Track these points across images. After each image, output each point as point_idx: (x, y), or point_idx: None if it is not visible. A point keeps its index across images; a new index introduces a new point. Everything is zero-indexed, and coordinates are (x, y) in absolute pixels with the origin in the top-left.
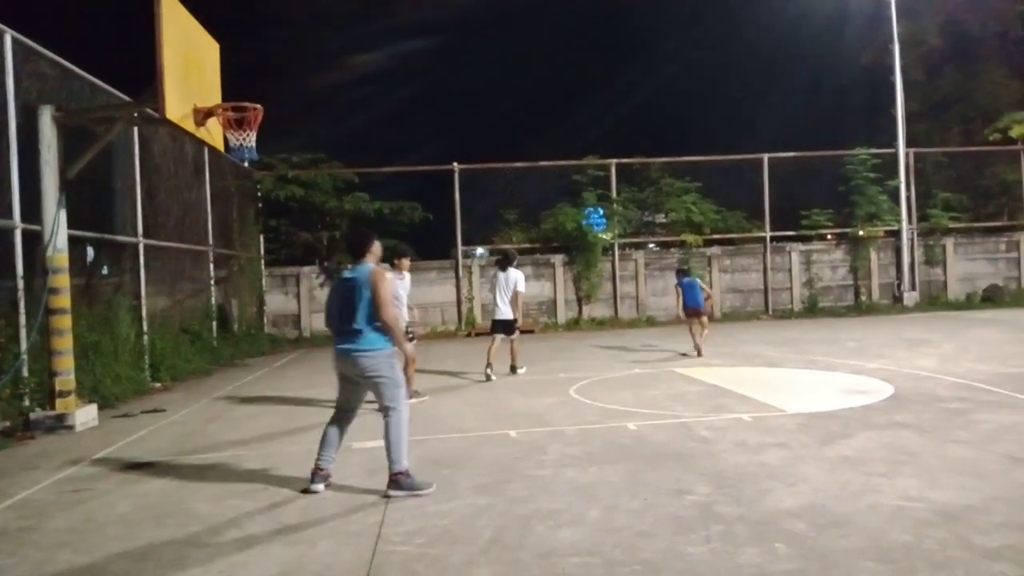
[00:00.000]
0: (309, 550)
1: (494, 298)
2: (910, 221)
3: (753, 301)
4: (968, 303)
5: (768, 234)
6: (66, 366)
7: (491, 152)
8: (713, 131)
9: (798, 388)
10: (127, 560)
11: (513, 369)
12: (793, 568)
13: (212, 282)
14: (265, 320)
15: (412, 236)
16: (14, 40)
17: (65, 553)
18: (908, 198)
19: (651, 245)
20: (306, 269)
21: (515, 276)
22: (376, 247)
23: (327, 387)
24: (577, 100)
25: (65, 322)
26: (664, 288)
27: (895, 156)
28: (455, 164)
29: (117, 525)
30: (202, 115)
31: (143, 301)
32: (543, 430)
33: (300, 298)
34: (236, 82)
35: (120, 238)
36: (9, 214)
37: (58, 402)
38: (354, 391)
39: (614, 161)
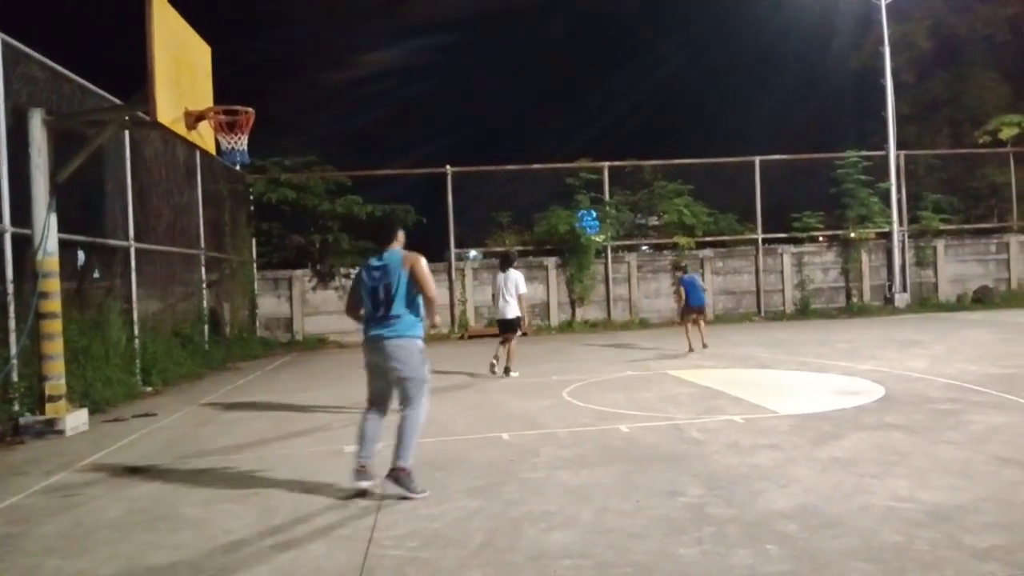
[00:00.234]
0: (301, 554)
1: (495, 299)
2: (901, 223)
3: (745, 303)
4: (959, 304)
5: (760, 236)
6: (56, 370)
7: (484, 155)
8: (705, 134)
9: (790, 389)
10: (117, 565)
11: (507, 371)
12: (785, 569)
13: (204, 285)
14: (257, 323)
15: (405, 239)
16: (3, 43)
17: (54, 559)
18: (899, 200)
19: (644, 247)
20: (298, 272)
21: (515, 277)
22: (401, 234)
23: (320, 390)
24: (570, 103)
25: (55, 326)
26: (657, 290)
27: (886, 158)
28: (448, 167)
29: (107, 530)
30: (193, 118)
31: (134, 305)
32: (536, 432)
33: (292, 301)
34: (228, 85)
35: (111, 242)
36: None
37: (48, 407)
38: (385, 384)
39: (607, 164)
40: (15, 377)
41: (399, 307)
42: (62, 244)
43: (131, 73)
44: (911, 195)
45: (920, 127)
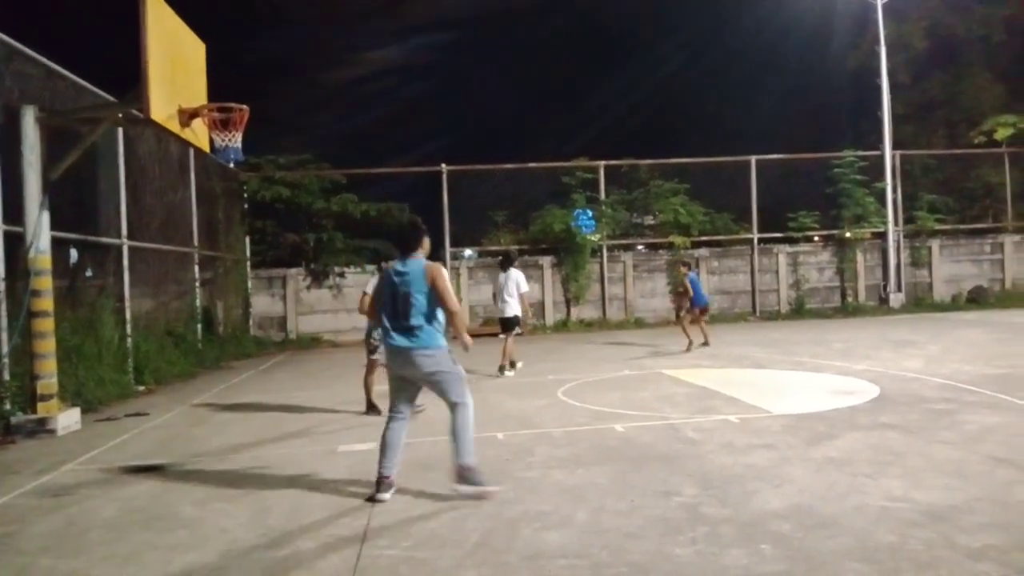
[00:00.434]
0: (294, 553)
1: (496, 298)
2: (896, 223)
3: (740, 303)
4: (953, 304)
5: (755, 236)
6: (48, 369)
7: (480, 154)
8: (702, 133)
9: (785, 389)
10: (111, 565)
11: (501, 369)
12: (779, 569)
13: (197, 284)
14: (251, 322)
15: (400, 238)
16: None
17: (47, 559)
18: (894, 200)
19: (640, 247)
20: (292, 271)
21: (516, 275)
22: (426, 242)
23: (314, 390)
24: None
25: (47, 325)
26: (652, 290)
27: (881, 158)
28: (443, 165)
29: (101, 530)
30: (187, 116)
31: (127, 303)
32: (531, 432)
33: (286, 300)
34: (222, 83)
35: (104, 240)
36: None
37: (40, 406)
38: (411, 390)
39: (603, 163)
40: (7, 376)
41: (418, 317)
42: (55, 242)
43: (125, 70)
44: (907, 195)
45: (916, 127)
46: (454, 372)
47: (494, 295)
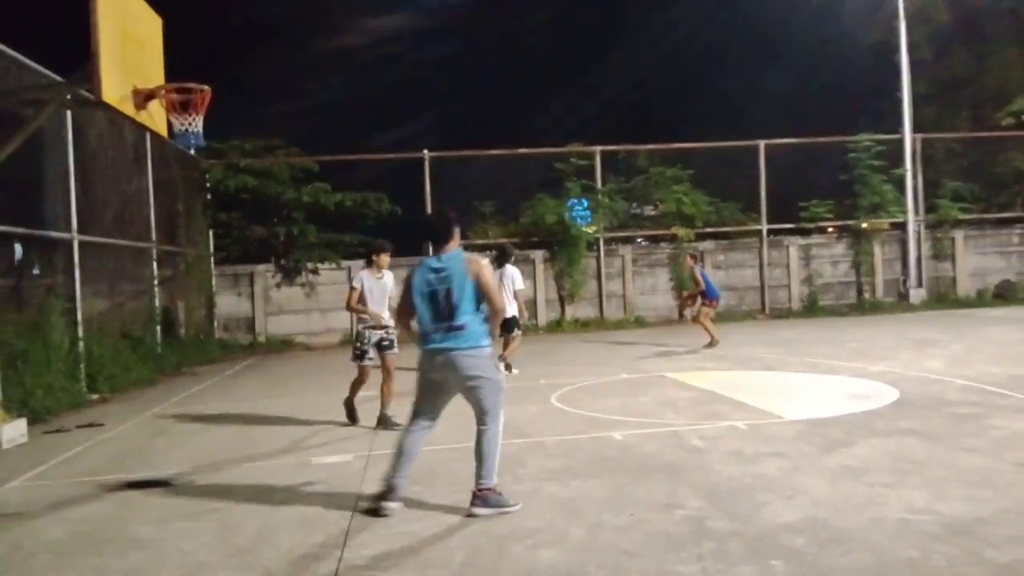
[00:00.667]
0: None
1: None
2: (917, 212)
3: (749, 299)
4: (979, 300)
5: (764, 227)
6: None
7: (465, 139)
8: (706, 116)
9: (797, 393)
10: None
11: (508, 367)
12: None
13: (156, 282)
14: (215, 324)
15: (378, 230)
16: None
17: None
18: (915, 187)
19: (639, 239)
20: (261, 267)
21: (512, 273)
22: (457, 232)
23: (285, 397)
24: (559, 83)
25: None
26: (654, 286)
27: (901, 142)
28: (425, 151)
29: (48, 554)
30: (143, 97)
31: (78, 304)
32: (521, 441)
33: (254, 299)
34: (182, 61)
35: (52, 234)
36: None
37: None
38: (443, 397)
39: (599, 148)
40: None
41: (464, 316)
42: None
43: (73, 47)
44: (928, 182)
45: (938, 108)
46: (495, 380)
47: None
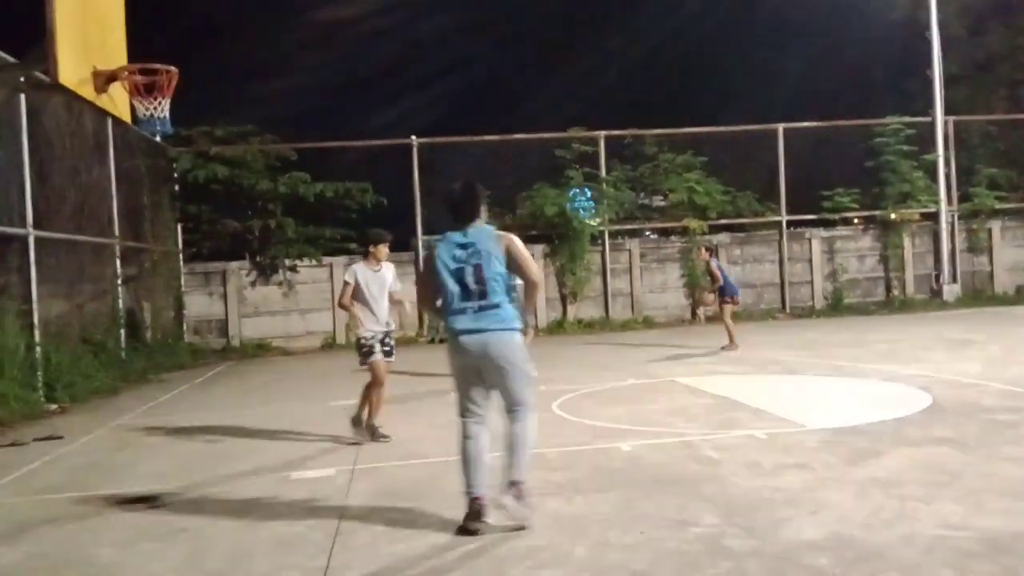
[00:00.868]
0: None
1: None
2: (950, 202)
3: (767, 297)
4: (1018, 297)
5: (784, 218)
6: None
7: (457, 124)
8: (719, 98)
9: (820, 399)
10: None
11: None
12: None
13: (119, 282)
14: (184, 327)
15: (362, 224)
16: None
17: None
18: (947, 174)
19: (648, 232)
20: (234, 265)
21: None
22: (484, 209)
23: (261, 407)
24: (560, 62)
25: None
26: (664, 283)
27: (932, 125)
28: (413, 137)
29: None
30: (104, 79)
31: (35, 306)
32: None
33: (227, 300)
34: (146, 40)
35: (5, 230)
36: None
37: None
38: (482, 382)
39: (603, 133)
40: None
41: (497, 293)
42: None
43: (28, 25)
44: (962, 169)
45: (972, 88)
46: (526, 368)
47: None
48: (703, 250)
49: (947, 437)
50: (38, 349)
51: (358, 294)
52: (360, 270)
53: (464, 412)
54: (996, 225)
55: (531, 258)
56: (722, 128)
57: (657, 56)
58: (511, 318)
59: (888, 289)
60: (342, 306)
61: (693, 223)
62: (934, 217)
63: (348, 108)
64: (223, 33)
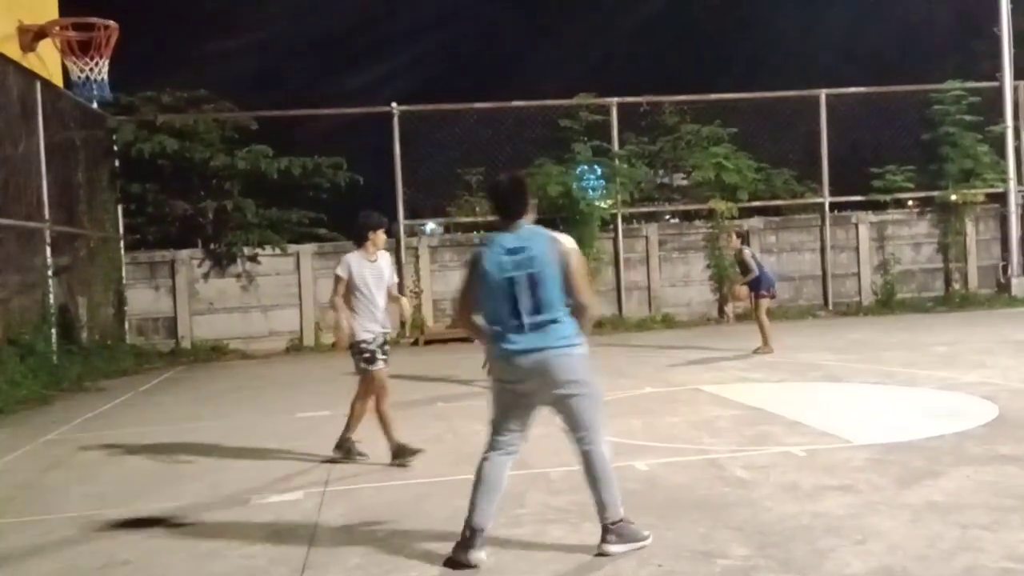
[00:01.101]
0: None
1: None
2: (1020, 181)
3: (807, 292)
4: None
5: (827, 200)
6: None
7: (446, 89)
8: (750, 61)
9: (868, 410)
10: None
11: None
12: None
13: (50, 273)
14: (127, 326)
15: (335, 205)
16: None
17: None
18: (1017, 148)
19: (667, 216)
20: (184, 253)
21: None
22: (534, 203)
23: (216, 419)
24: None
25: None
26: (686, 275)
27: (999, 91)
28: (394, 104)
29: None
30: (31, 36)
31: None
32: (519, 473)
33: (176, 294)
34: None
35: None
36: None
37: None
38: (528, 412)
39: (615, 100)
40: None
41: (554, 307)
42: None
43: None
44: None
45: None
46: (594, 391)
47: None
48: (733, 236)
49: (1015, 455)
50: None
51: (351, 291)
52: (355, 262)
53: (495, 445)
54: None
55: (587, 278)
56: (755, 94)
57: (679, 9)
58: (572, 332)
59: (947, 282)
60: (332, 305)
61: (721, 205)
62: (1001, 199)
63: (318, 70)
64: None
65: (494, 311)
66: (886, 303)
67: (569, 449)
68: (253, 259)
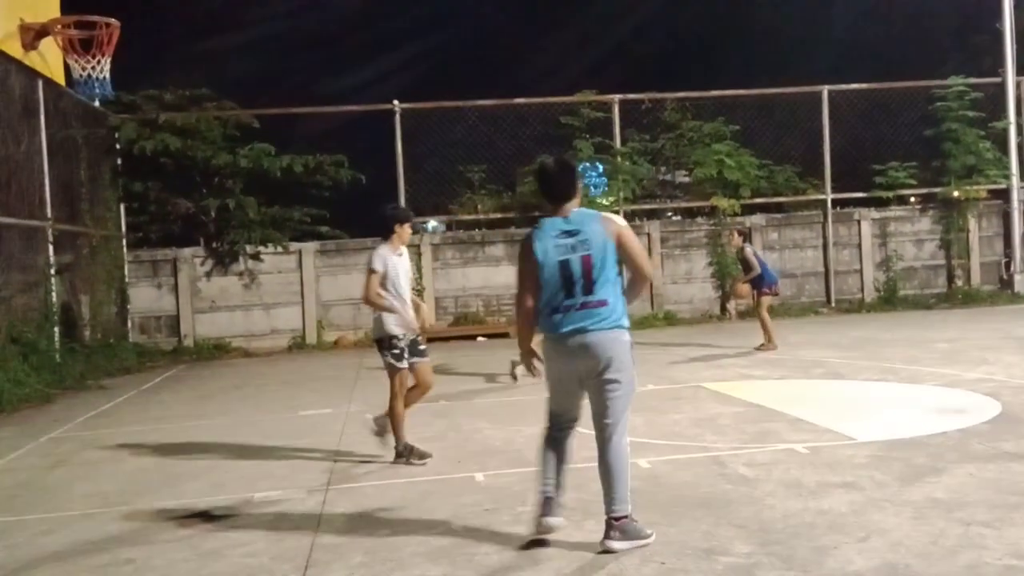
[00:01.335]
0: None
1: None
2: (1023, 177)
3: (810, 289)
4: None
5: (829, 196)
6: None
7: (448, 87)
8: (752, 57)
9: (871, 407)
10: None
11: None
12: None
13: (52, 271)
14: (129, 324)
15: (337, 203)
16: None
17: None
18: (1020, 145)
19: (669, 213)
20: (186, 251)
21: None
22: (581, 187)
23: (218, 417)
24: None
25: None
26: (688, 272)
27: (1002, 87)
28: (396, 102)
29: None
30: (33, 34)
31: None
32: (520, 471)
33: (178, 292)
34: None
35: None
36: None
37: None
38: (580, 388)
39: (617, 97)
40: None
41: (606, 289)
42: None
43: None
44: None
45: None
46: (631, 381)
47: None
48: (735, 234)
49: (1018, 451)
50: None
51: (383, 285)
52: (388, 255)
53: (554, 423)
54: None
55: (643, 248)
56: (757, 91)
57: (681, 5)
58: (621, 315)
59: (950, 279)
60: (370, 301)
61: (723, 202)
62: (1004, 195)
63: (319, 68)
64: None
65: (549, 292)
66: (888, 300)
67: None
68: (255, 257)
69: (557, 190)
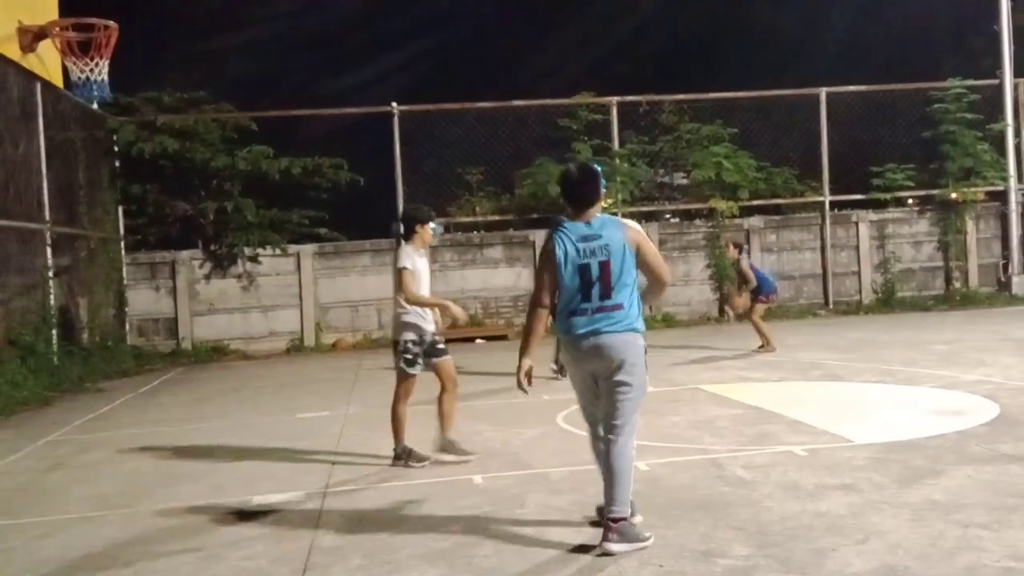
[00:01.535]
0: None
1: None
2: (1021, 179)
3: (808, 290)
4: None
5: (827, 198)
6: None
7: (446, 89)
8: (750, 59)
9: (869, 409)
10: None
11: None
12: None
13: (50, 274)
14: (127, 326)
15: (335, 205)
16: None
17: None
18: (1018, 146)
19: (667, 215)
20: (185, 254)
21: None
22: (604, 191)
23: (217, 419)
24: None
25: None
26: (687, 274)
27: (999, 89)
28: (394, 105)
29: None
30: (31, 36)
31: None
32: (520, 473)
33: (176, 295)
34: None
35: None
36: None
37: None
38: (599, 390)
39: (615, 99)
40: None
41: (622, 293)
42: None
43: None
44: None
45: None
46: (644, 380)
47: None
48: (730, 247)
49: (1016, 454)
50: None
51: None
52: (413, 255)
53: (593, 427)
54: None
55: (660, 255)
56: (755, 93)
57: (678, 8)
58: (634, 319)
59: (948, 281)
60: (415, 300)
61: (721, 204)
62: (1002, 196)
63: (317, 70)
64: None
65: (567, 295)
66: (886, 302)
67: (568, 449)
68: (254, 259)
69: (580, 196)
